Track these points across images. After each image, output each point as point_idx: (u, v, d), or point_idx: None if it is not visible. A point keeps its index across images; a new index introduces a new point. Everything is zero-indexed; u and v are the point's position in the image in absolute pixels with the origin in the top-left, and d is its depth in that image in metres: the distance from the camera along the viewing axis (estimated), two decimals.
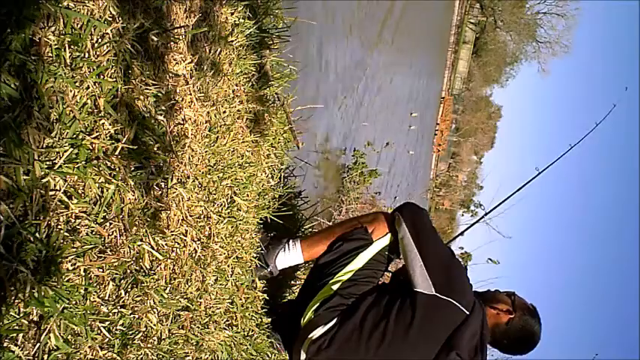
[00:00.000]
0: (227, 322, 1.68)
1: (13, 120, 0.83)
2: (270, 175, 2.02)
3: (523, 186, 2.41)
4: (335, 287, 1.69)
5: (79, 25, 0.97)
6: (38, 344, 0.88)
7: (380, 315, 1.61)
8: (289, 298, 2.43)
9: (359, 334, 1.60)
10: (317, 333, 1.64)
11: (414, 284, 1.60)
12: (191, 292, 1.42)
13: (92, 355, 1.01)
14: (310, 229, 2.72)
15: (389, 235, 1.77)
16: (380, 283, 1.86)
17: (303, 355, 1.67)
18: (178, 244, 1.36)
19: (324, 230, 1.96)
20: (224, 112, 1.62)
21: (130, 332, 1.15)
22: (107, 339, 1.06)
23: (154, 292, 1.22)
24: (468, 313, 1.56)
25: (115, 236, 1.09)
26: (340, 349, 1.61)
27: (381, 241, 1.77)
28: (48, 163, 0.90)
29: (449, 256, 1.70)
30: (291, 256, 1.88)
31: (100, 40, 1.02)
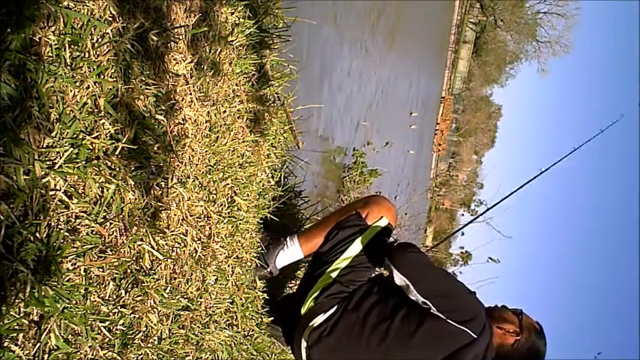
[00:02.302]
0: (227, 322, 1.68)
1: (13, 120, 0.83)
2: (270, 175, 2.03)
3: (525, 184, 2.42)
4: (334, 275, 1.70)
5: (79, 25, 0.97)
6: (38, 344, 0.88)
7: (385, 315, 1.61)
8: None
9: (361, 328, 1.60)
10: (318, 320, 1.65)
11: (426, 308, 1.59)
12: (191, 292, 1.42)
13: (92, 354, 1.01)
14: None
15: (384, 218, 1.77)
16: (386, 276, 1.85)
17: (304, 344, 1.68)
18: (179, 243, 1.36)
19: (320, 222, 1.95)
20: (224, 111, 1.62)
21: (131, 332, 1.15)
22: (107, 339, 1.06)
23: (155, 291, 1.22)
24: (475, 336, 1.56)
25: (115, 236, 1.09)
26: (341, 337, 1.62)
27: (375, 225, 1.77)
28: (48, 162, 0.90)
29: (453, 286, 1.67)
30: (290, 253, 1.88)
31: (100, 39, 1.02)
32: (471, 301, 1.66)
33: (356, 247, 1.74)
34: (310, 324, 1.66)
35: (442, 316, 1.55)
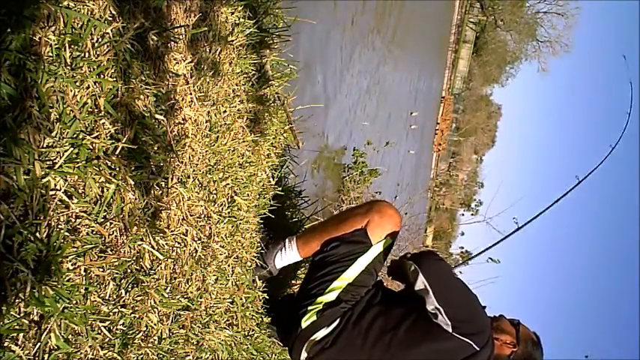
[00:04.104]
0: (227, 322, 1.68)
1: (13, 120, 0.83)
2: (270, 175, 2.03)
3: (561, 197, 2.32)
4: (336, 292, 1.69)
5: (79, 25, 0.97)
6: (39, 344, 0.88)
7: (388, 326, 1.62)
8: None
9: (363, 340, 1.61)
10: (320, 335, 1.65)
11: (432, 316, 1.59)
12: (191, 292, 1.42)
13: (93, 354, 1.01)
14: None
15: (388, 238, 1.75)
16: (390, 288, 1.85)
17: (304, 354, 1.68)
18: (179, 243, 1.36)
19: (318, 227, 1.93)
20: (224, 111, 1.62)
21: (131, 332, 1.15)
22: (108, 338, 1.06)
23: (155, 291, 1.22)
24: (478, 349, 1.57)
25: (116, 236, 1.09)
26: (343, 350, 1.62)
27: (379, 245, 1.74)
28: (48, 162, 0.90)
29: (468, 298, 1.68)
30: (288, 254, 1.88)
31: (100, 39, 1.02)
32: (481, 316, 1.67)
33: (359, 266, 1.71)
34: (312, 338, 1.66)
35: (449, 329, 1.55)
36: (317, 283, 1.72)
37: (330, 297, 1.68)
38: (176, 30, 1.31)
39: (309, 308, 1.69)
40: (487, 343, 1.61)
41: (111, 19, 1.04)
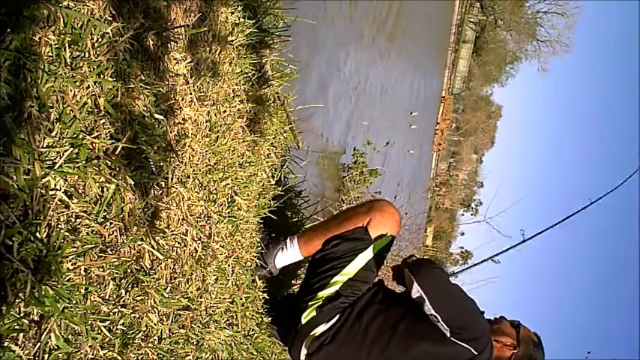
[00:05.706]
0: (227, 322, 1.68)
1: (13, 120, 0.83)
2: (270, 175, 2.03)
3: (572, 215, 2.23)
4: (336, 287, 1.70)
5: (79, 25, 0.97)
6: (39, 344, 0.88)
7: (387, 325, 1.63)
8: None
9: (362, 337, 1.62)
10: (319, 330, 1.66)
11: (431, 320, 1.60)
12: (191, 292, 1.42)
13: (93, 354, 1.02)
14: None
15: (388, 234, 1.76)
16: (390, 288, 1.85)
17: (304, 351, 1.68)
18: (179, 243, 1.36)
19: (320, 226, 1.93)
20: (224, 111, 1.62)
21: (131, 331, 1.15)
22: (108, 338, 1.06)
23: (155, 291, 1.22)
24: (476, 353, 1.57)
25: (116, 236, 1.09)
26: (342, 346, 1.63)
27: (380, 242, 1.76)
28: (48, 162, 0.90)
29: (465, 304, 1.67)
30: (289, 254, 1.88)
31: (100, 39, 1.02)
32: (479, 322, 1.67)
33: (359, 262, 1.72)
34: (311, 333, 1.67)
35: (447, 334, 1.56)
36: (318, 279, 1.73)
37: (329, 291, 1.69)
38: (176, 30, 1.32)
39: (309, 304, 1.69)
40: (485, 347, 1.61)
41: (111, 19, 1.04)
